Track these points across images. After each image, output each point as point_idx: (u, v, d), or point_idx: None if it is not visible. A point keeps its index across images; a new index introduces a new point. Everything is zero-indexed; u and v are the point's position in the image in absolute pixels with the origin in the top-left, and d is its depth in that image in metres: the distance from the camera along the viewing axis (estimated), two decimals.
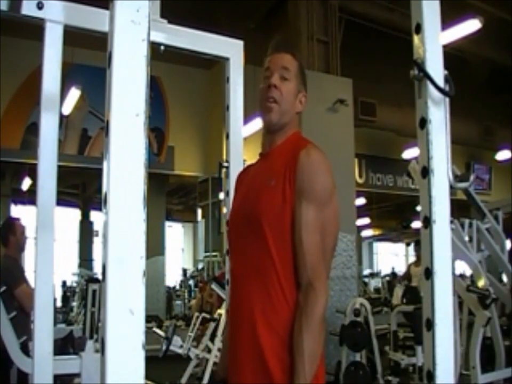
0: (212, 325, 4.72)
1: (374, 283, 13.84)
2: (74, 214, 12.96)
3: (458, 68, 7.60)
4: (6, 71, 6.58)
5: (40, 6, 1.65)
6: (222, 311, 4.59)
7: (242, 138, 2.05)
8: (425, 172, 1.11)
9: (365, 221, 15.02)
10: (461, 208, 5.08)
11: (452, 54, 7.49)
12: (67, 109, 7.10)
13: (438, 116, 1.13)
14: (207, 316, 4.99)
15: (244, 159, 2.03)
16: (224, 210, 2.03)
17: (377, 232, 18.98)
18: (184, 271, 11.80)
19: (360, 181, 10.19)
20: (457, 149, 9.67)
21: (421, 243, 1.12)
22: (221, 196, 2.17)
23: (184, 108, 8.83)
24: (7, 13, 1.63)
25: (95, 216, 12.87)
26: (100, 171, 0.79)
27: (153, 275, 9.65)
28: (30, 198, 8.72)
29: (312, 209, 1.35)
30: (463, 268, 4.22)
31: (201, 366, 4.83)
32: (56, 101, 1.73)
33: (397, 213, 15.57)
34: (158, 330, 4.70)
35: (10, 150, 7.26)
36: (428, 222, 1.10)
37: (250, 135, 2.87)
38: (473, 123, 9.65)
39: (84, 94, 7.12)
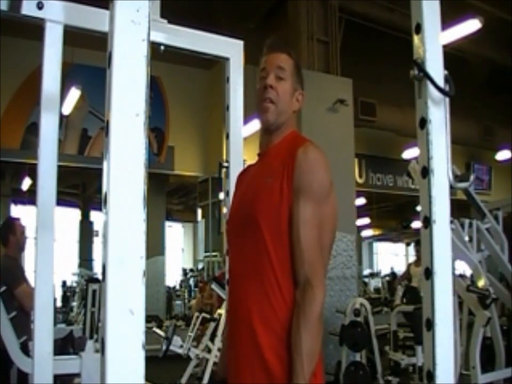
0: (212, 325, 4.72)
1: (374, 283, 13.84)
2: (74, 214, 12.96)
3: (458, 68, 7.60)
4: (6, 71, 6.58)
5: (40, 6, 1.65)
6: (222, 311, 4.59)
7: (242, 138, 2.05)
8: (425, 172, 1.11)
9: (365, 221, 15.02)
10: (461, 208, 5.08)
11: (452, 54, 7.49)
12: (67, 109, 7.10)
13: (438, 115, 1.13)
14: (207, 315, 4.99)
15: (244, 159, 2.03)
16: (224, 210, 2.03)
17: (377, 232, 18.98)
18: (184, 271, 11.80)
19: (360, 181, 10.19)
20: (457, 149, 9.67)
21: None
22: (221, 196, 2.16)
23: (184, 108, 8.83)
24: (7, 13, 1.63)
25: (95, 216, 12.88)
26: (100, 171, 0.79)
27: (153, 275, 9.65)
28: (30, 198, 8.72)
29: (310, 206, 1.35)
30: (463, 267, 4.22)
31: (201, 366, 4.83)
32: (56, 101, 1.73)
33: (397, 213, 15.57)
34: (158, 330, 4.71)
35: (10, 150, 7.26)
36: (427, 222, 1.10)
37: (250, 135, 2.87)
38: (473, 123, 9.65)
39: (84, 94, 7.12)
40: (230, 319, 1.52)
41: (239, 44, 2.07)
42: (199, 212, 11.95)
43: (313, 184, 1.37)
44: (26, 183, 10.33)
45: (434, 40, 1.14)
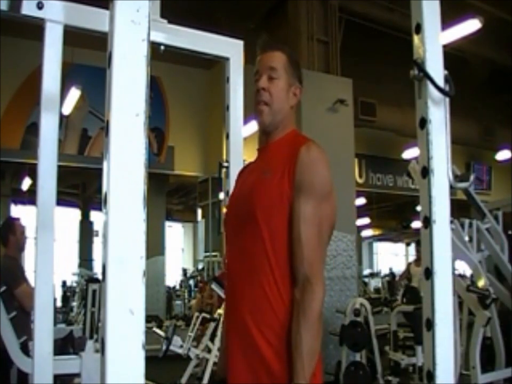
0: (212, 325, 4.72)
1: (374, 283, 13.83)
2: (74, 214, 12.96)
3: (458, 68, 7.59)
4: (6, 71, 6.58)
5: (40, 6, 1.65)
6: (222, 311, 4.59)
7: (242, 138, 2.06)
8: (425, 172, 1.11)
9: (365, 221, 15.01)
10: (461, 208, 5.08)
11: (452, 54, 7.48)
12: (67, 109, 7.09)
13: (438, 115, 1.13)
14: (207, 315, 4.99)
15: (244, 159, 2.03)
16: (224, 210, 2.03)
17: (377, 232, 18.97)
18: (184, 271, 11.80)
19: (360, 181, 10.19)
20: (457, 149, 9.67)
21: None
22: (221, 195, 2.16)
23: (184, 108, 8.83)
24: (7, 13, 1.63)
25: (95, 216, 12.87)
26: (100, 171, 0.79)
27: (153, 275, 9.64)
28: (30, 198, 8.71)
29: (311, 204, 1.36)
30: (463, 267, 4.22)
31: (201, 366, 4.83)
32: (56, 101, 1.73)
33: (397, 213, 15.56)
34: (158, 330, 4.70)
35: (10, 150, 7.25)
36: (428, 222, 1.10)
37: (250, 135, 2.87)
38: (473, 123, 9.65)
39: (84, 94, 7.12)
40: (227, 318, 1.52)
41: (239, 43, 2.07)
42: (199, 212, 11.95)
43: (315, 182, 1.37)
44: (26, 183, 10.33)
45: (434, 40, 1.14)
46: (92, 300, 3.21)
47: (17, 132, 7.35)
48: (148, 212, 0.77)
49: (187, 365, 4.56)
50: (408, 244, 16.61)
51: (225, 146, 2.08)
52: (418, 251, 7.24)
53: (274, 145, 1.52)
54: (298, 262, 1.34)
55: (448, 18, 4.70)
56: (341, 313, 5.19)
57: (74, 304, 9.12)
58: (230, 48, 2.04)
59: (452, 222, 2.00)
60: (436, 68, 1.13)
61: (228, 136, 2.03)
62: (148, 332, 1.07)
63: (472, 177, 1.32)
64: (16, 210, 11.14)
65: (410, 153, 9.34)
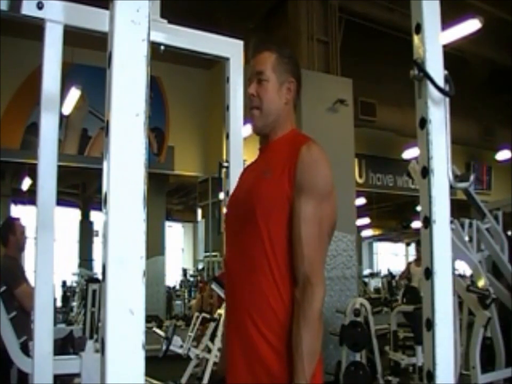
0: (212, 325, 4.72)
1: (374, 283, 13.83)
2: (74, 214, 12.96)
3: (458, 68, 7.59)
4: (6, 71, 6.58)
5: (40, 6, 1.65)
6: (222, 311, 4.59)
7: (242, 138, 2.05)
8: (425, 172, 1.11)
9: (365, 221, 15.01)
10: (461, 208, 5.08)
11: (452, 54, 7.49)
12: (67, 109, 7.09)
13: (438, 115, 1.13)
14: (207, 315, 4.99)
15: (244, 159, 2.03)
16: (224, 210, 2.03)
17: (377, 232, 18.97)
18: (184, 271, 11.80)
19: (360, 181, 10.19)
20: (457, 149, 9.67)
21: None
22: (221, 195, 2.16)
23: (184, 108, 8.83)
24: (7, 13, 1.63)
25: (95, 216, 12.87)
26: (100, 171, 0.79)
27: (153, 275, 9.64)
28: (30, 198, 8.72)
29: (312, 204, 1.36)
30: (463, 267, 4.22)
31: (201, 366, 4.83)
32: (56, 101, 1.73)
33: (397, 213, 15.56)
34: (158, 330, 4.70)
35: (10, 150, 7.25)
36: (428, 222, 1.10)
37: (250, 135, 2.87)
38: (473, 123, 9.65)
39: (84, 94, 7.12)
40: (228, 318, 1.52)
41: (239, 43, 2.07)
42: (199, 212, 11.95)
43: (316, 182, 1.37)
44: (26, 183, 10.33)
45: (434, 40, 1.14)
46: (92, 300, 3.21)
47: (17, 131, 7.35)
48: (148, 212, 0.77)
49: (187, 365, 4.56)
50: (408, 244, 16.61)
51: (225, 146, 2.08)
52: (418, 251, 7.24)
53: (274, 145, 1.52)
54: (299, 261, 1.34)
55: (448, 18, 4.70)
56: (341, 313, 5.20)
57: (74, 304, 9.12)
58: (230, 48, 2.04)
59: (452, 222, 2.00)
60: (436, 68, 1.13)
61: (227, 136, 2.03)
62: (148, 332, 1.07)
63: (472, 177, 1.32)
64: (16, 210, 11.14)
65: (410, 153, 9.34)
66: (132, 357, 0.73)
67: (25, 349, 2.85)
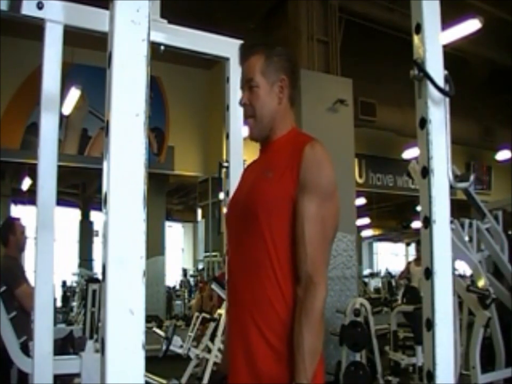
0: (212, 325, 4.72)
1: (374, 283, 13.84)
2: (74, 214, 12.96)
3: (458, 68, 7.59)
4: (6, 71, 6.58)
5: (40, 6, 1.65)
6: (222, 311, 4.59)
7: (242, 138, 2.05)
8: (425, 172, 1.11)
9: (365, 221, 15.01)
10: (461, 208, 5.08)
11: (452, 54, 7.48)
12: (67, 109, 7.10)
13: (438, 116, 1.13)
14: (207, 315, 4.99)
15: (244, 159, 2.03)
16: (224, 210, 2.03)
17: (377, 232, 18.97)
18: (184, 271, 11.80)
19: (360, 181, 10.19)
20: (457, 149, 9.67)
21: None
22: (221, 195, 2.16)
23: (184, 108, 8.83)
24: (7, 13, 1.62)
25: (95, 216, 12.87)
26: (100, 171, 0.79)
27: (153, 275, 9.64)
28: (30, 198, 8.72)
29: (316, 202, 1.35)
30: (463, 267, 4.22)
31: (201, 366, 4.83)
32: (56, 101, 1.73)
33: (397, 213, 15.57)
34: (158, 330, 4.70)
35: (10, 150, 7.26)
36: (428, 222, 1.10)
37: None
38: (473, 123, 9.65)
39: (83, 94, 7.12)
40: (229, 317, 1.52)
41: (239, 43, 2.07)
42: (199, 212, 11.95)
43: (320, 181, 1.37)
44: (26, 183, 10.33)
45: (434, 40, 1.14)
46: (92, 300, 3.22)
47: (17, 131, 7.35)
48: (148, 212, 0.77)
49: (187, 365, 4.56)
50: (408, 244, 16.60)
51: (225, 146, 2.07)
52: (418, 250, 7.24)
53: (275, 145, 1.52)
54: (302, 260, 1.34)
55: (448, 18, 4.69)
56: (341, 313, 5.19)
57: (74, 304, 9.12)
58: (230, 48, 2.04)
59: (452, 222, 2.00)
60: (436, 68, 1.13)
61: (227, 136, 2.03)
62: (148, 332, 1.07)
63: (472, 177, 1.32)
64: (16, 210, 11.14)
65: (410, 153, 9.34)
66: (132, 357, 0.73)
67: (25, 349, 2.85)
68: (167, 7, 1.86)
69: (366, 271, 16.11)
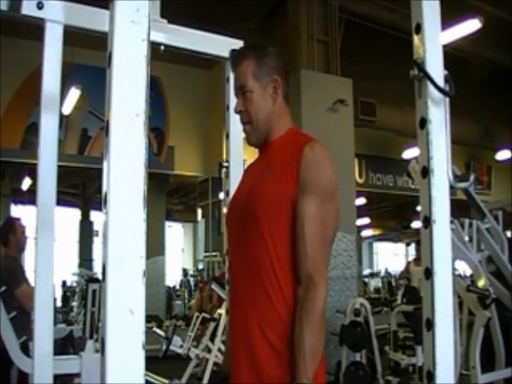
0: (212, 325, 4.72)
1: (374, 283, 13.84)
2: (74, 214, 12.96)
3: (458, 68, 7.60)
4: (6, 71, 6.58)
5: (40, 6, 1.65)
6: (222, 311, 4.59)
7: (242, 138, 2.05)
8: (425, 172, 1.11)
9: (365, 221, 15.01)
10: (461, 208, 5.08)
11: (452, 54, 7.48)
12: (67, 109, 7.10)
13: (438, 116, 1.13)
14: (207, 315, 4.99)
15: (244, 159, 2.03)
16: (224, 210, 2.03)
17: (377, 232, 18.97)
18: (184, 271, 11.79)
19: (360, 181, 10.19)
20: (457, 149, 9.67)
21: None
22: (221, 195, 2.16)
23: (184, 108, 8.83)
24: (7, 13, 1.62)
25: (95, 216, 12.87)
26: (100, 171, 0.79)
27: (153, 275, 9.64)
28: (30, 198, 8.71)
29: (316, 202, 1.35)
30: (463, 267, 4.22)
31: (201, 366, 4.83)
32: (56, 101, 1.73)
33: (397, 213, 15.57)
34: (158, 330, 4.70)
35: (10, 150, 7.26)
36: (428, 222, 1.10)
37: None
38: (473, 123, 9.65)
39: (83, 94, 7.13)
40: (230, 316, 1.52)
41: (239, 44, 2.06)
42: (199, 212, 11.95)
43: (320, 181, 1.37)
44: (26, 183, 10.33)
45: (434, 40, 1.14)
46: (92, 300, 3.21)
47: (17, 131, 7.35)
48: (148, 212, 0.77)
49: (187, 365, 4.56)
50: (408, 244, 16.59)
51: (225, 146, 2.08)
52: (418, 250, 7.24)
53: (274, 145, 1.51)
54: (302, 260, 1.34)
55: (448, 18, 4.69)
56: (341, 313, 5.19)
57: (74, 304, 9.11)
58: (230, 48, 2.03)
59: (452, 222, 2.00)
60: (436, 68, 1.13)
61: (227, 136, 2.03)
62: (148, 332, 1.07)
63: (472, 177, 1.32)
64: (16, 210, 11.14)
65: (410, 153, 9.34)
66: (132, 357, 0.73)
67: (25, 349, 2.84)
68: (167, 7, 1.86)
69: (366, 271, 16.12)
